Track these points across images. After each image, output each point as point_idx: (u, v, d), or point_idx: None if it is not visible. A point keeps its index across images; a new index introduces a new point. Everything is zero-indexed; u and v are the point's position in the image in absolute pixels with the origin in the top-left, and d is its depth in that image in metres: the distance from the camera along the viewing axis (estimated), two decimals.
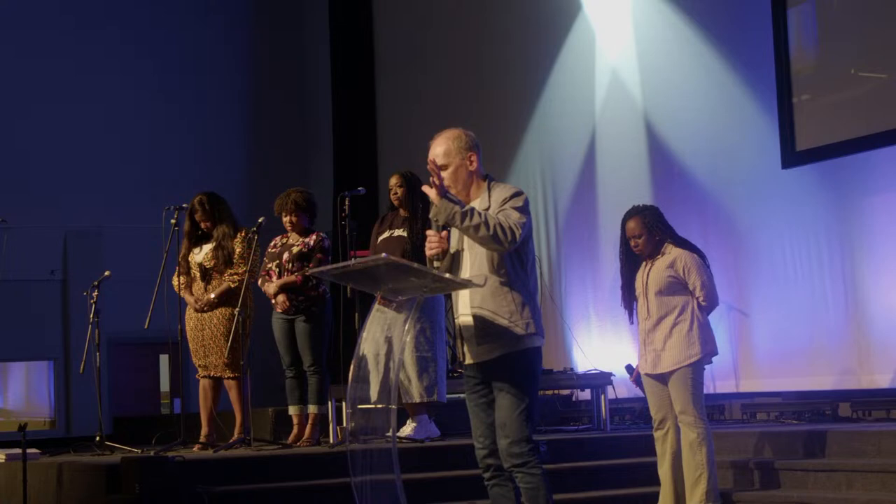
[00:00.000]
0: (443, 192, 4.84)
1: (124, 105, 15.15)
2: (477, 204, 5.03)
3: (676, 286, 6.47)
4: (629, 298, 6.68)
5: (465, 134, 5.12)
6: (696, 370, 6.43)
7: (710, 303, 6.49)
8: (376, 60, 14.88)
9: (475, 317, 4.95)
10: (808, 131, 9.12)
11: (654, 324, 6.50)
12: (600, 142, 11.20)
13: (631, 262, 6.66)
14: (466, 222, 4.77)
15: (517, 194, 5.00)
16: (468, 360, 5.05)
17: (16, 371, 15.19)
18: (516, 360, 4.94)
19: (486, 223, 4.78)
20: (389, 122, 14.61)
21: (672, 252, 6.52)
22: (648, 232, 6.54)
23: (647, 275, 6.55)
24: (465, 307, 5.01)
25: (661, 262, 6.52)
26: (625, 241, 6.63)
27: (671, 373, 6.44)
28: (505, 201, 4.96)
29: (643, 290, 6.56)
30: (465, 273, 5.01)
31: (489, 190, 5.07)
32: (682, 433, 6.45)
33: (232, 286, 7.82)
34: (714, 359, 6.60)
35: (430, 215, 4.89)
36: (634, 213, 6.62)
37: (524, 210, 4.96)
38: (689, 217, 9.42)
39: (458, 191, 5.07)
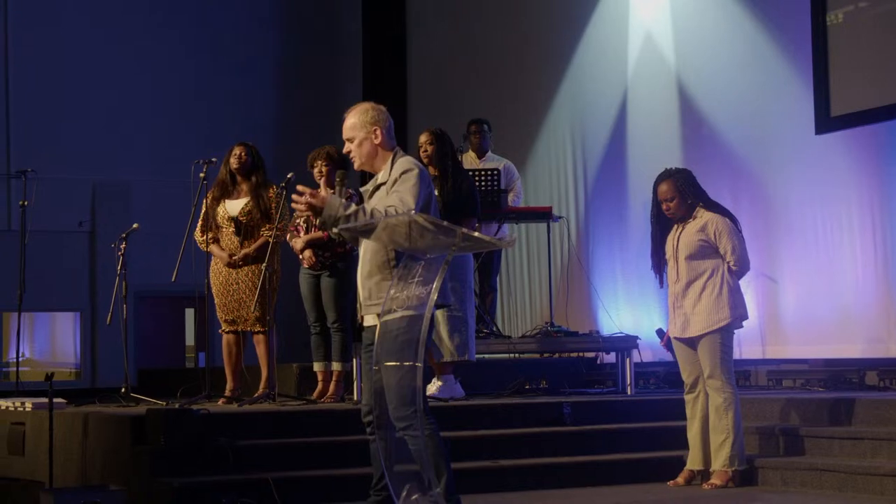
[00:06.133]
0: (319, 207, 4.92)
1: (155, 58, 15.12)
2: (380, 176, 5.18)
3: (707, 250, 6.45)
4: (659, 262, 6.66)
5: (373, 108, 5.26)
6: (725, 335, 6.43)
7: (740, 267, 6.47)
8: (408, 18, 14.80)
9: (363, 286, 5.12)
10: (842, 97, 9.01)
11: (684, 287, 6.49)
12: (632, 103, 11.11)
13: (662, 225, 6.64)
14: (352, 224, 4.87)
15: (405, 172, 5.08)
16: (365, 323, 5.19)
17: (42, 321, 15.29)
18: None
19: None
20: (419, 79, 14.54)
21: (703, 216, 6.50)
22: (680, 195, 6.51)
23: (678, 238, 6.53)
24: (359, 276, 5.18)
25: (692, 226, 6.50)
26: (656, 203, 6.61)
27: (700, 337, 6.44)
28: (395, 182, 5.07)
29: (674, 253, 6.55)
30: (364, 246, 5.14)
31: (392, 162, 5.17)
32: (709, 397, 6.46)
33: (271, 241, 7.80)
34: (741, 324, 6.58)
35: (318, 221, 4.97)
36: (666, 175, 6.60)
37: (413, 188, 5.02)
38: (720, 181, 9.33)
39: (362, 163, 5.22)
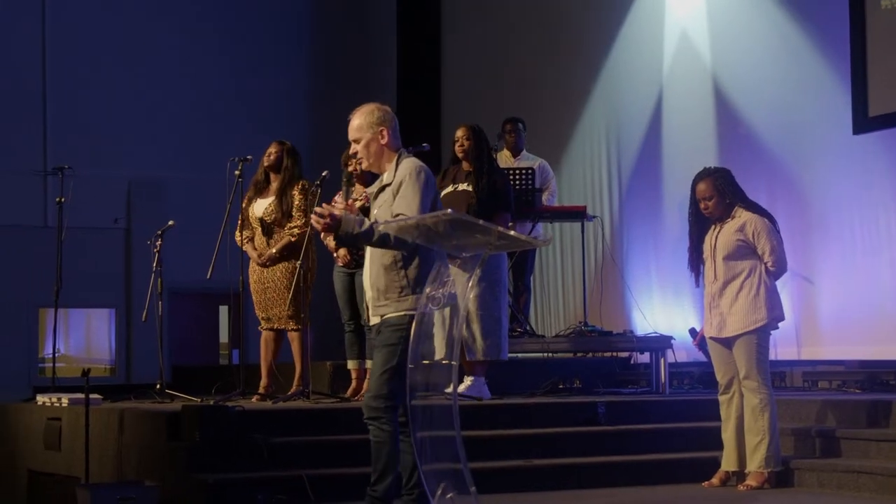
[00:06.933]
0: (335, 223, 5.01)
1: (190, 56, 15.20)
2: (385, 177, 5.23)
3: (745, 250, 6.43)
4: (696, 261, 6.65)
5: (379, 108, 5.31)
6: (761, 335, 6.41)
7: (778, 268, 6.45)
8: (442, 13, 14.81)
9: (372, 287, 5.17)
10: (881, 96, 8.94)
11: (721, 287, 6.47)
12: (667, 102, 11.06)
13: (700, 224, 6.62)
14: (371, 241, 5.04)
15: (410, 175, 5.14)
16: (371, 322, 5.25)
17: (77, 318, 15.39)
18: (394, 323, 5.08)
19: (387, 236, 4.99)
20: (454, 78, 14.54)
21: (742, 216, 6.48)
22: (719, 194, 6.49)
23: (716, 238, 6.51)
24: (366, 278, 5.24)
25: (730, 226, 6.48)
26: (694, 202, 6.60)
27: (736, 337, 6.41)
28: (400, 185, 5.12)
29: (711, 252, 6.52)
30: (366, 253, 5.25)
31: (397, 163, 5.22)
32: (745, 398, 6.44)
33: (292, 240, 7.81)
34: (777, 325, 6.55)
35: (339, 231, 5.04)
36: (705, 174, 6.57)
37: (419, 191, 5.09)
38: (756, 180, 9.26)
39: (370, 163, 5.27)
